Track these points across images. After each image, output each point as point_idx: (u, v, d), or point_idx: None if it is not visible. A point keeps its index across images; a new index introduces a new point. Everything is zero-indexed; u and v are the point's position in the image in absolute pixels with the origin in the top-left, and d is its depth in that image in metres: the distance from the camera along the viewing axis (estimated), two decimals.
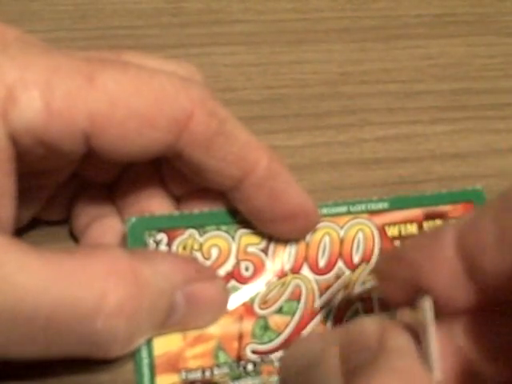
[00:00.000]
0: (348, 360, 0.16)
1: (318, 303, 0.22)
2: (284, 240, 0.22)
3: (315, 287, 0.22)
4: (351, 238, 0.23)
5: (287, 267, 0.22)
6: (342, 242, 0.23)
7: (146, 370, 0.20)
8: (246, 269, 0.22)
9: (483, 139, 0.29)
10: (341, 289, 0.22)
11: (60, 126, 0.17)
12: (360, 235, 0.23)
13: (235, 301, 0.21)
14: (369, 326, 0.17)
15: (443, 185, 0.27)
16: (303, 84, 0.30)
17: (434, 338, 0.16)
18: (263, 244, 0.22)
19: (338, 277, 0.22)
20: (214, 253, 0.22)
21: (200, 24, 0.31)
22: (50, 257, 0.17)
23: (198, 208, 0.22)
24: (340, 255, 0.22)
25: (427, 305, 0.16)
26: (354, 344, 0.16)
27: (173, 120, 0.19)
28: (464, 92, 0.31)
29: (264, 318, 0.21)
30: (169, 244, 0.21)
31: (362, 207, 0.23)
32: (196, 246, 0.21)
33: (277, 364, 0.21)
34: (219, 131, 0.19)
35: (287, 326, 0.21)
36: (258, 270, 0.22)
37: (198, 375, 0.20)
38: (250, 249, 0.22)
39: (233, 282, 0.21)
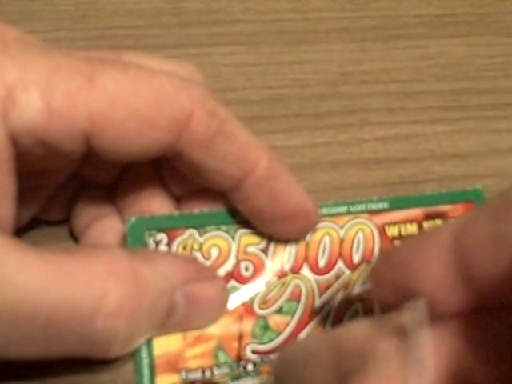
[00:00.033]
0: (338, 366, 0.16)
1: (317, 303, 0.22)
2: (284, 240, 0.22)
3: (315, 287, 0.22)
4: (351, 237, 0.23)
5: (287, 267, 0.22)
6: (341, 241, 0.23)
7: (145, 370, 0.20)
8: (246, 269, 0.22)
9: (483, 139, 0.29)
10: (341, 289, 0.22)
11: (60, 125, 0.17)
12: (360, 235, 0.23)
13: (235, 301, 0.21)
14: (358, 330, 0.16)
15: (443, 185, 0.27)
16: (303, 84, 0.30)
17: (426, 341, 0.15)
18: (263, 244, 0.22)
19: (337, 277, 0.22)
20: (214, 253, 0.22)
21: (200, 24, 0.31)
22: (50, 257, 0.17)
23: (198, 208, 0.22)
24: (340, 255, 0.22)
25: (419, 307, 0.16)
26: (344, 350, 0.16)
27: (173, 120, 0.19)
28: (464, 92, 0.31)
29: (264, 318, 0.21)
30: (169, 244, 0.21)
31: (362, 207, 0.23)
32: (196, 246, 0.21)
33: None
34: (219, 131, 0.19)
35: (287, 325, 0.21)
36: (258, 269, 0.22)
37: (197, 375, 0.20)
38: (250, 249, 0.22)
39: (233, 282, 0.21)
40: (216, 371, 0.20)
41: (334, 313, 0.22)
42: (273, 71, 0.30)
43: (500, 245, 0.15)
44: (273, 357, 0.21)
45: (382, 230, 0.23)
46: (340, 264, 0.22)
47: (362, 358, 0.15)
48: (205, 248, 0.22)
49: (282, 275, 0.22)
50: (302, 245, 0.22)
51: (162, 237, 0.21)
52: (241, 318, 0.21)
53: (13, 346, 0.17)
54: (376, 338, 0.16)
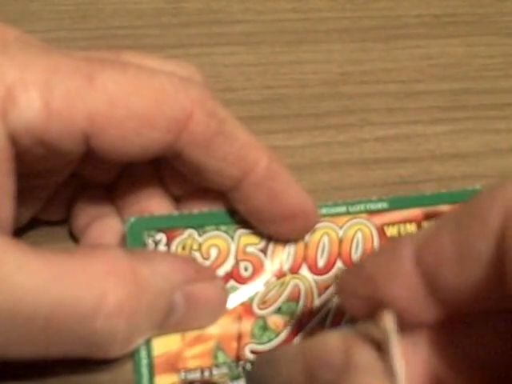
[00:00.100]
0: (312, 376, 0.16)
1: (316, 303, 0.22)
2: (283, 240, 0.22)
3: (314, 287, 0.22)
4: (350, 237, 0.23)
5: (286, 267, 0.22)
6: (341, 241, 0.23)
7: (145, 370, 0.20)
8: (245, 269, 0.22)
9: (483, 139, 0.29)
10: None
11: (59, 126, 0.17)
12: (359, 235, 0.23)
13: (234, 301, 0.21)
14: (333, 341, 0.16)
15: (443, 185, 0.27)
16: (303, 84, 0.30)
17: (399, 352, 0.15)
18: (262, 244, 0.22)
19: (337, 277, 0.22)
20: (213, 253, 0.22)
21: (200, 24, 0.31)
22: (49, 257, 0.17)
23: (197, 208, 0.22)
24: (339, 255, 0.22)
25: (389, 319, 0.16)
26: (318, 360, 0.16)
27: (172, 120, 0.19)
28: (464, 92, 0.31)
29: (263, 318, 0.21)
30: (168, 244, 0.21)
31: (361, 207, 0.23)
32: (195, 246, 0.21)
33: None
34: (219, 131, 0.19)
35: (286, 326, 0.21)
36: (257, 270, 0.22)
37: (196, 375, 0.20)
38: (249, 249, 0.22)
39: (232, 282, 0.21)
40: (215, 371, 0.20)
41: (333, 313, 0.22)
42: (273, 71, 0.30)
43: (463, 258, 0.14)
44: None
45: (381, 230, 0.23)
46: (339, 264, 0.22)
47: (337, 370, 0.15)
48: (204, 248, 0.22)
49: (280, 275, 0.22)
50: (300, 245, 0.22)
51: (161, 237, 0.21)
52: (240, 318, 0.21)
53: (12, 346, 0.17)
54: (352, 350, 0.16)
